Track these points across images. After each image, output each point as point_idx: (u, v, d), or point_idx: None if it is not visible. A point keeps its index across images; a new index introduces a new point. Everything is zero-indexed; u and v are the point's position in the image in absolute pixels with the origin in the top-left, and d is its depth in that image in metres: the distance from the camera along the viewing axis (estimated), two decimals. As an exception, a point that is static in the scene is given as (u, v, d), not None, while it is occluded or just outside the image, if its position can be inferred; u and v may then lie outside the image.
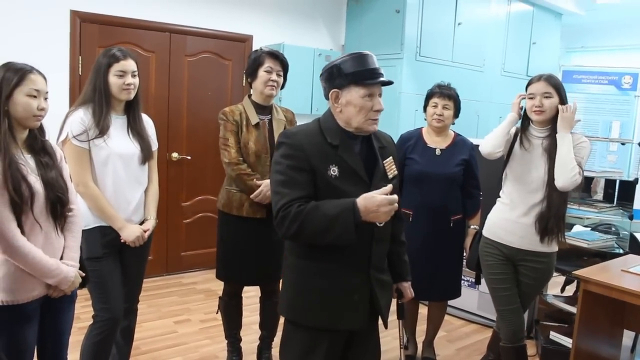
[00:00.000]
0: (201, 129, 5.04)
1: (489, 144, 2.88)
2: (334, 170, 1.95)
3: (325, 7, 5.91)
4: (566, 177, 2.65)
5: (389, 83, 2.00)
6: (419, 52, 5.45)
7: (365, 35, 5.79)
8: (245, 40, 5.33)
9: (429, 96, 3.33)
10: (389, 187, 1.88)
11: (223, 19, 5.18)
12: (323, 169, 1.94)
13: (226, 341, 3.34)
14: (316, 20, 5.86)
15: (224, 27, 5.19)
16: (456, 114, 3.32)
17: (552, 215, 2.75)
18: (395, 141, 3.35)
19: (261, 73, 2.99)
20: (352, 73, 1.95)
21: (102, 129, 2.52)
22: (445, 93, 3.27)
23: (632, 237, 4.08)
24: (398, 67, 5.35)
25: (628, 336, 3.61)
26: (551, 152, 2.73)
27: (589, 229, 4.18)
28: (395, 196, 1.86)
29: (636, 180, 3.97)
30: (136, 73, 2.62)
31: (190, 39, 5.03)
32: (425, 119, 3.38)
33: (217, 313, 3.32)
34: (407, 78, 5.36)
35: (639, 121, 5.79)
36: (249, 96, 3.10)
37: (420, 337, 3.66)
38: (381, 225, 2.00)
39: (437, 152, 3.29)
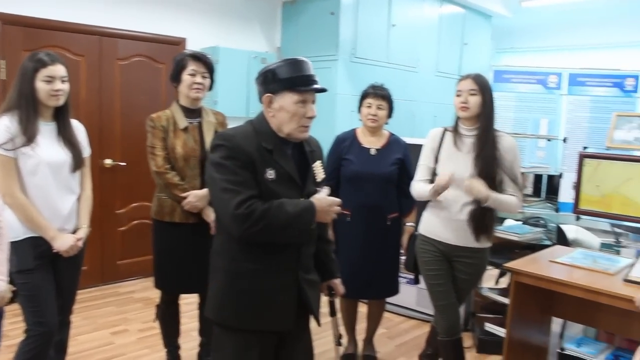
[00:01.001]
0: (135, 134, 4.92)
1: (417, 194, 3.01)
2: (270, 174, 1.96)
3: (260, 9, 5.90)
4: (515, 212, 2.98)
5: (323, 90, 2.02)
6: (354, 54, 5.51)
7: (301, 38, 5.80)
8: (179, 43, 5.25)
9: (363, 97, 3.37)
10: (327, 189, 2.00)
11: (155, 22, 5.08)
12: (261, 171, 1.95)
13: (165, 350, 3.28)
14: (251, 22, 5.84)
15: (156, 30, 5.09)
16: (390, 114, 3.38)
17: (482, 214, 2.84)
18: (331, 142, 3.43)
19: (185, 77, 2.96)
20: (286, 79, 1.95)
21: (29, 137, 2.45)
22: (379, 94, 3.32)
23: (559, 229, 4.26)
24: (333, 68, 5.39)
25: (556, 323, 3.77)
26: (479, 153, 2.81)
27: (520, 222, 4.34)
28: (338, 199, 2.04)
29: (561, 175, 4.15)
30: (66, 78, 2.55)
31: (121, 42, 4.91)
32: (359, 120, 3.43)
33: (154, 321, 3.27)
34: (342, 79, 5.41)
35: (565, 118, 6.06)
36: (177, 101, 3.06)
37: (360, 335, 3.70)
38: (312, 227, 2.02)
39: (372, 152, 3.34)
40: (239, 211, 1.86)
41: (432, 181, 2.95)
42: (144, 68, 5.08)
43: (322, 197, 1.99)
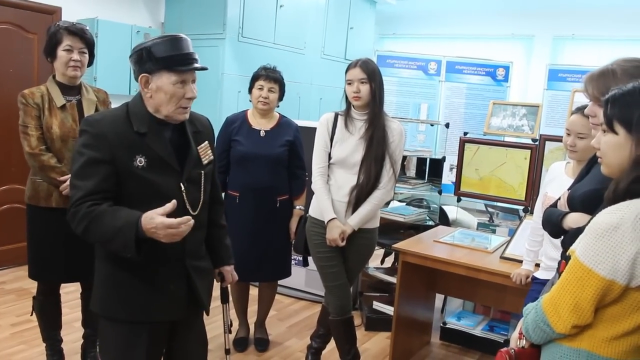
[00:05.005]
0: (3, 111, 4.50)
1: (315, 198, 3.03)
2: (140, 161, 1.83)
3: (143, -19, 5.61)
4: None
5: (203, 69, 1.91)
6: (242, 33, 5.41)
7: (187, 14, 5.58)
8: (53, 12, 4.85)
9: (255, 78, 3.31)
10: (172, 203, 1.73)
11: (25, -13, 4.66)
12: (128, 159, 1.82)
13: (44, 344, 3.06)
14: (133, -6, 5.54)
15: (26, -4, 4.68)
16: (281, 97, 3.36)
17: (365, 197, 2.90)
18: (221, 123, 3.35)
19: (60, 52, 2.74)
20: (163, 58, 1.82)
21: None
22: (271, 76, 3.28)
23: (441, 210, 4.48)
24: (220, 47, 5.26)
25: (439, 299, 3.98)
26: (369, 139, 2.86)
27: (404, 203, 4.50)
28: (180, 219, 1.71)
29: (444, 158, 4.35)
30: None
31: (-16, 7, 4.46)
32: (250, 101, 3.37)
33: (31, 315, 3.03)
34: (229, 59, 5.30)
35: (444, 104, 6.35)
36: (54, 76, 2.83)
37: (251, 319, 3.68)
38: (195, 213, 1.94)
39: (262, 133, 3.30)
40: (70, 211, 1.79)
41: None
42: (12, 37, 4.64)
43: (150, 217, 1.70)
